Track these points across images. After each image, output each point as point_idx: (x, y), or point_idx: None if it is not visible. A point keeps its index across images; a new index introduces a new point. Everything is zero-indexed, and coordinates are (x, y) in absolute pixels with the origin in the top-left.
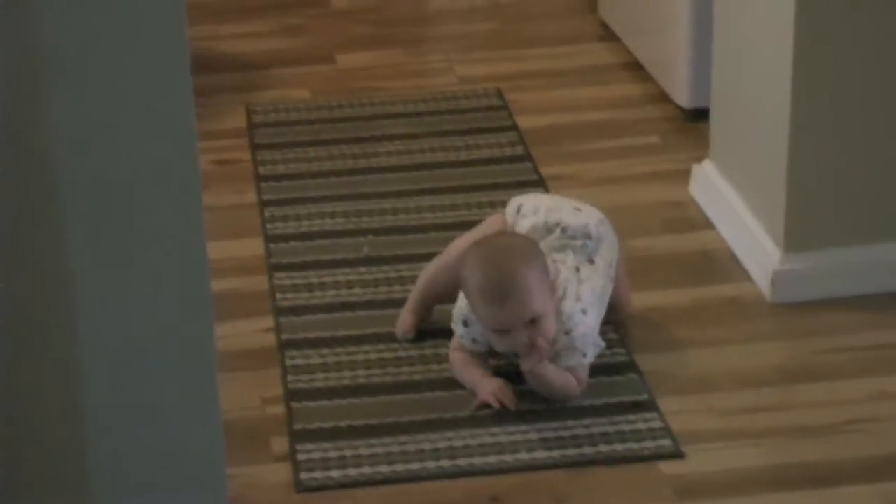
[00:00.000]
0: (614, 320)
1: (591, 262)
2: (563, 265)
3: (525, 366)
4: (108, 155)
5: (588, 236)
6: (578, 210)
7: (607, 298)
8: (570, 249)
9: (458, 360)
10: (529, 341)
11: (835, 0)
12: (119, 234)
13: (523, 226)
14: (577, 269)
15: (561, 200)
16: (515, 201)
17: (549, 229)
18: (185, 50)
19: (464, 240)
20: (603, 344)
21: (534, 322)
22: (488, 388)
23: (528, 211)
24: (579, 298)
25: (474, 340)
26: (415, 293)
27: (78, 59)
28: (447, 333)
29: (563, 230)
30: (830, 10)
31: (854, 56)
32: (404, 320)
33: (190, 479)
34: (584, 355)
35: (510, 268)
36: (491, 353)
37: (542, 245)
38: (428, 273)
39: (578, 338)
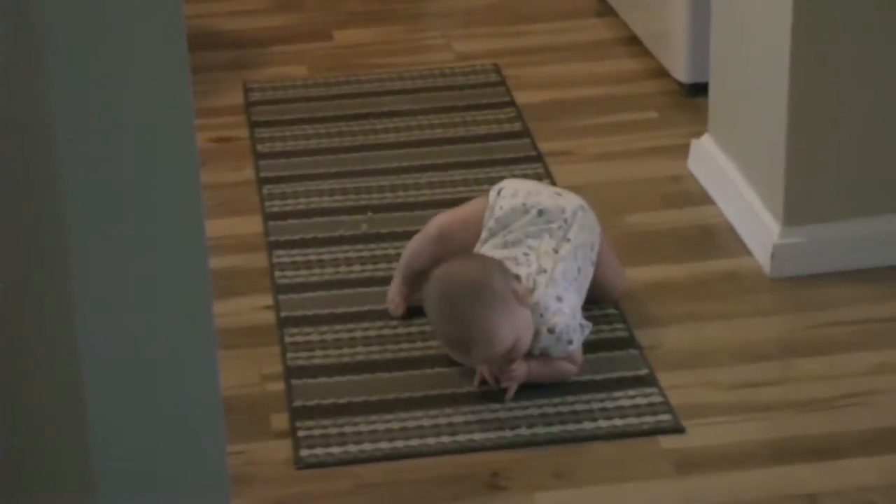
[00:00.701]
0: (609, 300)
1: (567, 240)
2: (537, 252)
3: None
4: (104, 133)
5: (564, 220)
6: (559, 195)
7: (587, 282)
8: (546, 234)
9: None
10: (504, 362)
11: None
12: (116, 212)
13: (502, 207)
14: (556, 251)
15: (542, 186)
16: (498, 185)
17: (525, 211)
18: (182, 27)
19: (443, 216)
20: (589, 325)
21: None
22: (487, 365)
23: (508, 193)
24: (554, 283)
25: None
26: (398, 272)
27: (73, 37)
28: None
29: (541, 213)
30: None
31: (853, 30)
32: (392, 299)
33: (190, 463)
34: (571, 342)
35: (469, 321)
36: None
37: (518, 228)
38: (410, 250)
39: (562, 331)
